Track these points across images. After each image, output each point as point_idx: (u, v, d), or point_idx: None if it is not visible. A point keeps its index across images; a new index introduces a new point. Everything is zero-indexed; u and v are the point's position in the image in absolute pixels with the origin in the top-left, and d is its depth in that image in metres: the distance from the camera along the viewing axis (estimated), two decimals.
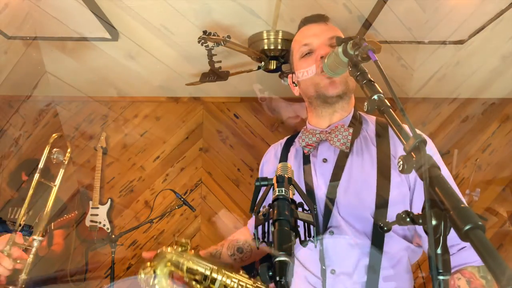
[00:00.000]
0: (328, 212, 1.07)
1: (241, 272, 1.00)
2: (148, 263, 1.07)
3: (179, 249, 1.09)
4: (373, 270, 1.01)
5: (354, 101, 1.23)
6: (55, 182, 1.47)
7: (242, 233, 1.39)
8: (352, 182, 1.08)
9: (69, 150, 1.60)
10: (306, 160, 1.18)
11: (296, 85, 1.27)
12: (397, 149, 1.10)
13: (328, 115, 1.19)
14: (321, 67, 1.06)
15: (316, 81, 1.15)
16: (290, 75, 1.30)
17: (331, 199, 1.08)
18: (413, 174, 1.05)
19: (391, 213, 1.03)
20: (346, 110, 1.19)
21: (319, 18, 1.24)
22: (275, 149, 1.34)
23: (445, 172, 1.06)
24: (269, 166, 1.33)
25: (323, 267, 1.04)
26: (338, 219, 1.06)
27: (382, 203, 1.03)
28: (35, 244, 1.34)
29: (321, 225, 1.07)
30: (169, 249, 1.09)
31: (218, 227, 3.37)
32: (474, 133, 3.45)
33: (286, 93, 3.33)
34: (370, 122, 1.20)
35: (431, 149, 1.11)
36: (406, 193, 1.06)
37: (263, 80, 3.06)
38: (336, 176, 1.10)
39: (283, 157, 1.27)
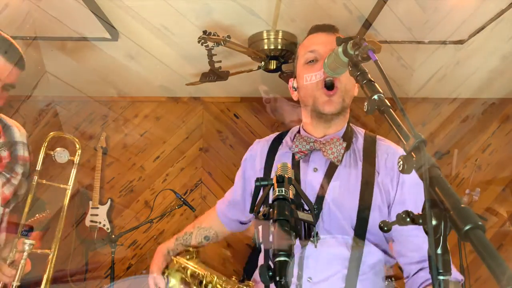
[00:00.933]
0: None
1: (233, 278, 1.10)
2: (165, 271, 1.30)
3: (187, 256, 1.30)
4: (350, 280, 1.05)
5: (348, 115, 1.25)
6: (54, 181, 1.46)
7: (210, 218, 1.47)
8: (337, 194, 1.11)
9: (78, 147, 1.58)
10: (295, 165, 1.18)
11: (295, 90, 1.27)
12: (381, 164, 1.13)
13: (323, 128, 1.21)
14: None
15: (316, 95, 1.15)
16: (291, 79, 1.30)
17: (317, 208, 1.10)
18: (393, 191, 1.10)
19: (371, 225, 1.07)
20: (340, 124, 1.21)
21: (329, 28, 1.24)
22: (261, 145, 1.32)
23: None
24: (253, 162, 1.31)
25: (300, 272, 1.07)
26: (322, 229, 1.09)
27: (363, 216, 1.08)
28: (26, 248, 1.32)
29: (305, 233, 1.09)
30: (177, 258, 1.31)
31: None
32: (474, 133, 3.45)
33: (286, 93, 3.32)
34: (360, 135, 1.22)
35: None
36: (385, 210, 1.10)
37: (263, 80, 3.06)
38: (324, 186, 1.12)
39: (270, 157, 1.26)
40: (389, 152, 1.15)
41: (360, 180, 1.10)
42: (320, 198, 1.10)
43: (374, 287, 1.10)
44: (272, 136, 1.35)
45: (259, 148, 1.33)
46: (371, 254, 1.08)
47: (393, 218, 1.06)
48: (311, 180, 1.14)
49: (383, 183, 1.10)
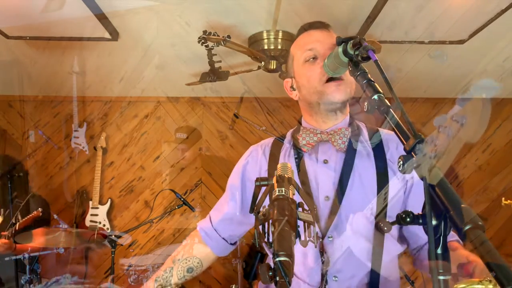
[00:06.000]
0: (332, 215, 1.06)
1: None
2: None
3: None
4: (375, 273, 1.03)
5: (348, 108, 1.23)
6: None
7: (190, 246, 1.30)
8: (356, 185, 1.09)
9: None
10: (300, 161, 1.16)
11: (294, 90, 1.25)
12: (392, 151, 1.13)
13: (331, 120, 1.18)
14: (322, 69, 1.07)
15: (322, 89, 1.13)
16: (287, 80, 1.27)
17: (334, 201, 1.08)
18: (410, 176, 1.09)
19: (390, 215, 1.07)
20: (345, 113, 1.20)
21: (322, 25, 1.22)
22: (262, 148, 1.27)
23: None
24: (256, 164, 1.25)
25: (325, 269, 1.04)
26: (342, 222, 1.06)
27: (382, 207, 1.06)
28: None
29: (321, 228, 1.07)
30: None
31: None
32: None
33: (285, 93, 3.32)
34: (363, 127, 1.21)
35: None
36: (402, 196, 1.10)
37: (263, 80, 3.06)
38: (342, 179, 1.10)
39: (273, 158, 1.22)
40: (397, 139, 1.16)
41: (375, 170, 1.10)
42: (339, 190, 1.08)
43: (395, 277, 1.09)
44: (268, 140, 1.30)
45: (260, 150, 1.27)
46: (391, 244, 1.06)
47: (411, 200, 1.10)
48: (322, 172, 1.12)
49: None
